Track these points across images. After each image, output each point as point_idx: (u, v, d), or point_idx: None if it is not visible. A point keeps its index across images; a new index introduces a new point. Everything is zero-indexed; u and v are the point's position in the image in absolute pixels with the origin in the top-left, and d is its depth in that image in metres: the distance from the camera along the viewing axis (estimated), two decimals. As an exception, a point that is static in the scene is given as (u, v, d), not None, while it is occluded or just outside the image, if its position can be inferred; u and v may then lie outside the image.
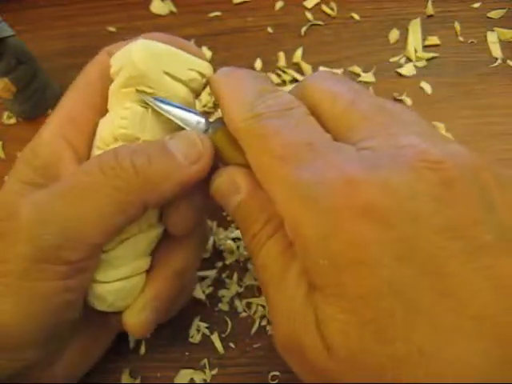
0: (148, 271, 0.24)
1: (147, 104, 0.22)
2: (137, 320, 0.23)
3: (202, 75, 0.23)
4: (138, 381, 0.28)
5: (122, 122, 0.21)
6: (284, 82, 0.37)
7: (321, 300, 0.16)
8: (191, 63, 0.22)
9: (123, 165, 0.20)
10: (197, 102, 0.36)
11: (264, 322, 0.29)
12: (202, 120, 0.22)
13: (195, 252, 0.26)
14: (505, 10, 0.38)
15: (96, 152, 0.23)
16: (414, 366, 0.14)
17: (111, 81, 0.23)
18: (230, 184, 0.21)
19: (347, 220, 0.15)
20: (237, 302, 0.29)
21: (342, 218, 0.16)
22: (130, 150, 0.21)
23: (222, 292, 0.30)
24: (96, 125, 0.23)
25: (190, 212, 0.23)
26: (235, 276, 0.30)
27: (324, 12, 0.40)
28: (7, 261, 0.20)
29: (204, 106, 0.36)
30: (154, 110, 0.22)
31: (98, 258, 0.22)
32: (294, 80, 0.37)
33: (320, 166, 0.17)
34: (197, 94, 0.23)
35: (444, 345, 0.14)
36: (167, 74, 0.22)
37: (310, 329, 0.16)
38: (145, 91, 0.21)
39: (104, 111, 0.23)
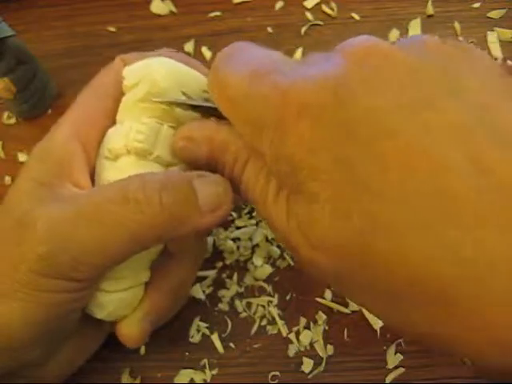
0: (146, 283, 0.24)
1: (162, 121, 0.22)
2: (132, 331, 0.24)
3: None
4: (137, 381, 0.28)
5: (138, 136, 0.21)
6: (284, 82, 0.37)
7: (293, 202, 0.18)
8: (206, 85, 0.23)
9: (151, 201, 0.20)
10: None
11: (264, 322, 0.29)
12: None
13: (192, 268, 0.26)
14: (505, 10, 0.38)
15: (104, 162, 0.23)
16: (373, 237, 0.15)
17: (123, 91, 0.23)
18: (200, 132, 0.22)
19: (290, 124, 0.17)
20: (237, 302, 0.29)
21: (285, 125, 0.17)
22: (159, 183, 0.20)
23: (221, 292, 0.30)
24: (106, 131, 0.23)
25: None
26: (235, 276, 0.30)
27: (324, 12, 0.40)
28: (18, 270, 0.20)
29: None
30: (168, 127, 0.22)
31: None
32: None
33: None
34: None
35: (395, 213, 0.15)
36: (184, 93, 0.22)
37: (293, 231, 0.18)
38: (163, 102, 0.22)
39: (114, 118, 0.23)
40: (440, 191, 0.14)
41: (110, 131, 0.23)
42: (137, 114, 0.22)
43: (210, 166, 0.22)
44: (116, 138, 0.22)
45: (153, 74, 0.22)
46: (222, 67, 0.20)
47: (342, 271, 0.17)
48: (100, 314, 0.23)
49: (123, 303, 0.23)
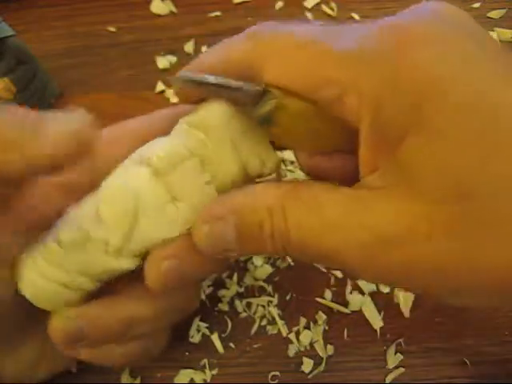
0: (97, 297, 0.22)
1: (193, 152, 0.20)
2: (58, 325, 0.22)
3: (263, 165, 0.21)
4: (137, 381, 0.28)
5: (160, 152, 0.20)
6: (284, 82, 0.37)
7: None
8: (261, 148, 0.21)
9: None
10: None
11: (264, 322, 0.29)
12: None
13: (158, 314, 0.23)
14: (505, 10, 0.38)
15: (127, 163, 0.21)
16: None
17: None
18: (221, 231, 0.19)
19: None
20: (237, 302, 0.29)
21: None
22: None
23: (221, 292, 0.30)
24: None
25: (173, 274, 0.20)
26: (235, 276, 0.30)
27: (324, 12, 0.40)
28: None
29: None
30: (194, 162, 0.20)
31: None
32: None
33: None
34: (245, 181, 0.21)
35: None
36: (232, 141, 0.20)
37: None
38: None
39: None
40: None
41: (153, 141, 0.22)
42: (180, 133, 0.21)
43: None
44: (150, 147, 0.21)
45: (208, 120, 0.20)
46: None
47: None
48: (25, 291, 0.21)
49: (48, 295, 0.21)
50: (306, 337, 0.28)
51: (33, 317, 0.22)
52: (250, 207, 0.18)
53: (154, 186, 0.20)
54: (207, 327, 0.29)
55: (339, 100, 0.17)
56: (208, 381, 0.27)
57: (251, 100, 0.19)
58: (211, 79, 0.19)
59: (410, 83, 0.16)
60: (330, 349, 0.28)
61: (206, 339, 0.29)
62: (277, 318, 0.29)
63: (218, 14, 0.41)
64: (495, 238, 0.15)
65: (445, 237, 0.15)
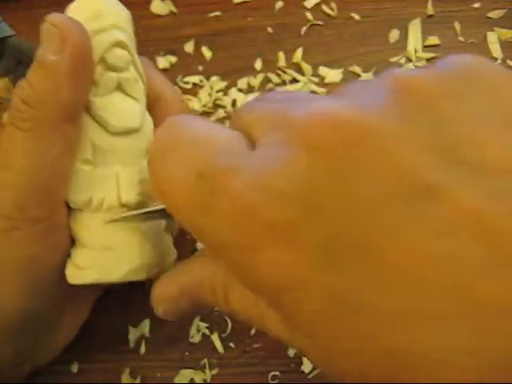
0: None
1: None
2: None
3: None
4: (137, 381, 0.28)
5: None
6: (284, 82, 0.37)
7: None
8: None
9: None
10: (196, 102, 0.36)
11: (264, 322, 0.29)
12: None
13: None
14: (505, 10, 0.38)
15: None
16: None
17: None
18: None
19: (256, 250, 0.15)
20: (237, 302, 0.29)
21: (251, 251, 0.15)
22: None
23: (221, 292, 0.30)
24: None
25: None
26: (235, 276, 0.30)
27: (324, 12, 0.40)
28: None
29: (204, 105, 0.36)
30: None
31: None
32: (294, 80, 0.37)
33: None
34: None
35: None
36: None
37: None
38: None
39: None
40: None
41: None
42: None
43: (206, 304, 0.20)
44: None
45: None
46: (161, 166, 0.17)
47: None
48: (88, 277, 0.22)
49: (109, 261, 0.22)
50: (306, 337, 0.28)
51: (71, 296, 0.23)
52: (197, 286, 0.19)
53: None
54: (207, 327, 0.29)
55: None
56: (208, 381, 0.27)
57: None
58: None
59: None
60: (330, 349, 0.28)
61: (205, 339, 0.29)
62: (277, 318, 0.29)
63: (217, 13, 0.41)
64: None
65: None
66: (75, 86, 0.20)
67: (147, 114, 0.24)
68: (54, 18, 0.21)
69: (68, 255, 0.23)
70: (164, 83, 0.26)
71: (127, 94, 0.22)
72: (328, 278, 0.13)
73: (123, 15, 0.23)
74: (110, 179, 0.22)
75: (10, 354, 0.22)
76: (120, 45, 0.22)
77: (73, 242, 0.23)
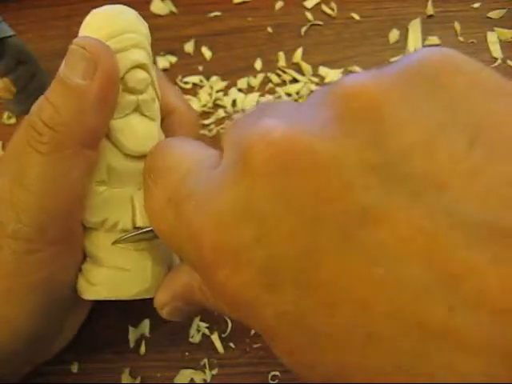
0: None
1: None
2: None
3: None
4: (137, 381, 0.28)
5: None
6: (284, 82, 0.37)
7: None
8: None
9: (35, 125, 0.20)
10: (196, 102, 0.36)
11: (264, 322, 0.29)
12: None
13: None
14: (505, 10, 0.38)
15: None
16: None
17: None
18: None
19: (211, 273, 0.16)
20: (237, 302, 0.29)
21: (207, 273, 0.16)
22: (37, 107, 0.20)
23: (221, 292, 0.30)
24: None
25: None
26: (235, 276, 0.30)
27: (324, 12, 0.40)
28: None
29: (204, 105, 0.36)
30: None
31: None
32: (294, 80, 0.37)
33: None
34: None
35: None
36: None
37: None
38: None
39: None
40: None
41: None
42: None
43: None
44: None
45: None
46: (146, 192, 0.19)
47: None
48: (100, 294, 0.22)
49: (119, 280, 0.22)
50: (306, 337, 0.28)
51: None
52: (188, 289, 0.20)
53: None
54: (207, 327, 0.29)
55: None
56: (208, 381, 0.27)
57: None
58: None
59: None
60: (330, 349, 0.28)
61: (205, 339, 0.29)
62: (277, 318, 0.29)
63: (217, 13, 0.41)
64: None
65: None
66: (101, 112, 0.20)
67: (161, 131, 0.23)
68: (84, 41, 0.20)
69: (80, 270, 0.23)
70: (178, 97, 0.25)
71: (144, 115, 0.22)
72: (272, 299, 0.14)
73: (143, 31, 0.22)
74: (124, 201, 0.22)
75: (12, 358, 0.22)
76: (140, 66, 0.21)
77: (85, 256, 0.23)
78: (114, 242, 0.22)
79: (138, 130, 0.21)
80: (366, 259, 0.12)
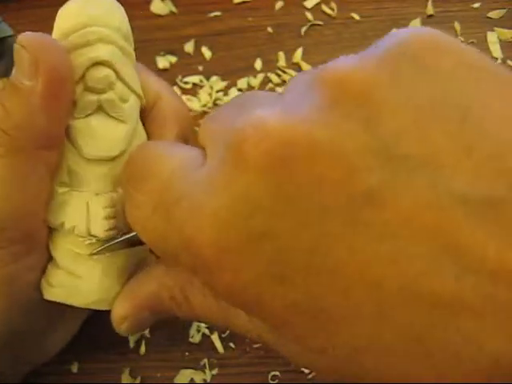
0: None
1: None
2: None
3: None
4: (137, 381, 0.28)
5: None
6: (284, 82, 0.37)
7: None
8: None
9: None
10: (196, 102, 0.36)
11: (264, 322, 0.29)
12: None
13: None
14: (505, 10, 0.38)
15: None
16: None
17: None
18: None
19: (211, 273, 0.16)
20: (237, 302, 0.29)
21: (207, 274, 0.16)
22: None
23: (222, 292, 0.30)
24: None
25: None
26: (235, 276, 0.30)
27: (324, 12, 0.40)
28: None
29: (204, 105, 0.36)
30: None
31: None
32: (294, 80, 0.37)
33: None
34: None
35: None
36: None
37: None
38: None
39: None
40: None
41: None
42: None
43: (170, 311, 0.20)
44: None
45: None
46: (127, 202, 0.18)
47: None
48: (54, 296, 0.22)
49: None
50: (306, 337, 0.28)
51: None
52: (154, 298, 0.19)
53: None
54: (207, 327, 0.29)
55: None
56: (208, 381, 0.27)
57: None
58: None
59: None
60: (330, 349, 0.28)
61: (205, 339, 0.29)
62: (277, 318, 0.29)
63: (217, 13, 0.41)
64: None
65: None
66: (51, 112, 0.19)
67: (140, 128, 0.22)
68: (23, 38, 0.19)
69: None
70: (159, 83, 0.24)
71: (110, 116, 0.20)
72: (282, 290, 0.14)
73: (115, 24, 0.20)
74: (81, 207, 0.21)
75: (8, 357, 0.22)
76: (102, 63, 0.20)
77: (51, 257, 0.22)
78: (90, 254, 0.21)
79: (98, 132, 0.20)
80: (374, 239, 0.12)
